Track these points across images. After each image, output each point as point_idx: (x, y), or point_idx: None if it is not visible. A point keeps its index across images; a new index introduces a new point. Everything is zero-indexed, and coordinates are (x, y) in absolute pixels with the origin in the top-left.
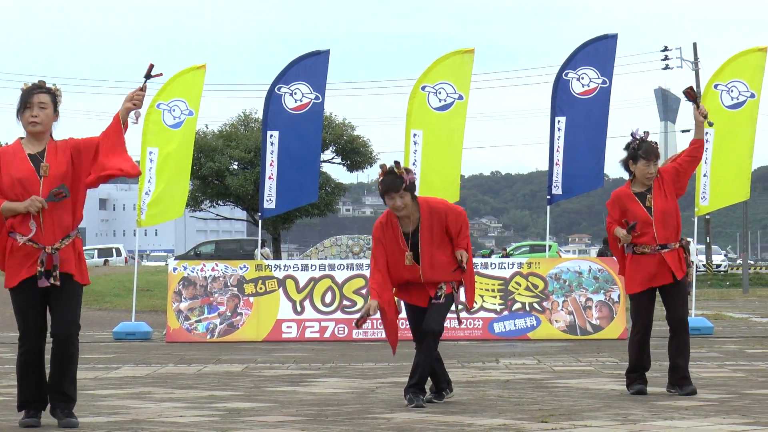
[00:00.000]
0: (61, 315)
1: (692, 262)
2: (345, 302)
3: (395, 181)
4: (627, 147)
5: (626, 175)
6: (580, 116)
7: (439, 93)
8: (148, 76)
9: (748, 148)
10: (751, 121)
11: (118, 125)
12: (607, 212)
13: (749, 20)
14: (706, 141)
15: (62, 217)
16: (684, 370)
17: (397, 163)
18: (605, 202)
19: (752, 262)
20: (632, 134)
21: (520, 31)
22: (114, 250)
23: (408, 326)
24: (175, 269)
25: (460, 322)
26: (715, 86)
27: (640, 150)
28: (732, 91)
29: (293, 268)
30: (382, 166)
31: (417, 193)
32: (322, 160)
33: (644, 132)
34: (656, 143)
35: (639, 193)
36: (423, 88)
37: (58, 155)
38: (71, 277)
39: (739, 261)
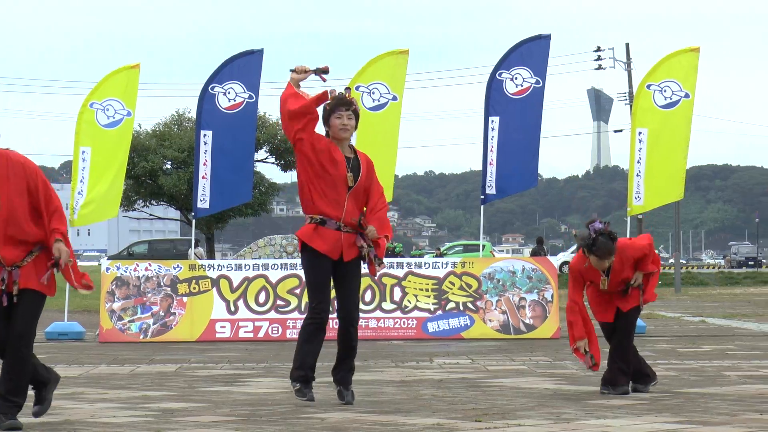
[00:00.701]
0: (15, 326)
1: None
2: (279, 302)
3: (347, 98)
4: (587, 224)
5: (560, 175)
6: (514, 116)
7: (373, 93)
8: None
9: (682, 148)
10: (685, 120)
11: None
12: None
13: (681, 21)
14: (639, 141)
15: (21, 235)
16: (615, 370)
17: (347, 89)
18: (539, 204)
19: (684, 262)
20: (588, 225)
21: (454, 32)
22: None
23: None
24: (108, 269)
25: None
26: (648, 86)
27: (594, 247)
28: (665, 91)
29: (227, 267)
30: (332, 91)
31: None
32: (255, 159)
33: (605, 223)
34: (614, 237)
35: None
36: (357, 88)
37: (10, 183)
38: (33, 291)
39: (671, 260)
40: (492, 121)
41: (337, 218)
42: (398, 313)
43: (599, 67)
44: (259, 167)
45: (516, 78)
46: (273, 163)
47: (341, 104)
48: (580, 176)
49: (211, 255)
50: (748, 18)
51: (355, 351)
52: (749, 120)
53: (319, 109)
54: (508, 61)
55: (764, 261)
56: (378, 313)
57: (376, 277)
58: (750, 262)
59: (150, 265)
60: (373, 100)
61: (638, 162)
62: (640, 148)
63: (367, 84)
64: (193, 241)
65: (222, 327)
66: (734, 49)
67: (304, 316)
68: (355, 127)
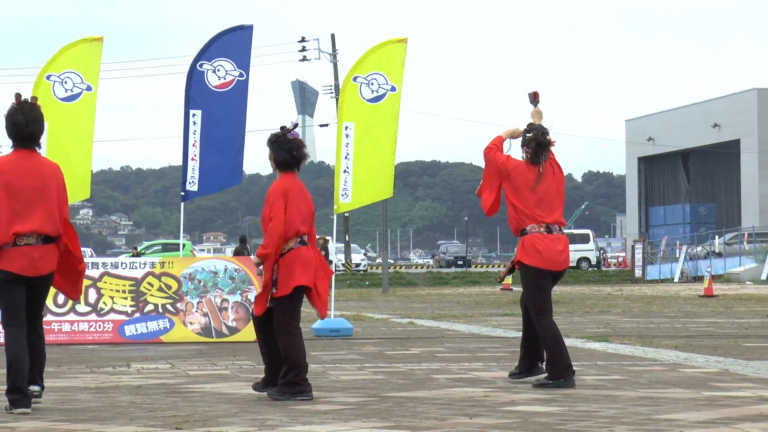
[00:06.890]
0: None
1: (331, 261)
2: None
3: None
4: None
5: (263, 171)
6: (217, 110)
7: (66, 83)
8: None
9: (391, 144)
10: (392, 115)
11: None
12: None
13: (388, 11)
14: (346, 136)
15: None
16: None
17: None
18: (241, 201)
19: (392, 261)
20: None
21: (153, 18)
22: None
23: None
24: None
25: None
26: (354, 79)
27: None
28: (372, 84)
29: None
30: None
31: None
32: None
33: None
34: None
35: None
36: (48, 78)
37: None
38: None
39: (378, 260)
40: (194, 114)
41: None
42: (93, 316)
43: (304, 59)
44: None
45: (218, 70)
46: None
47: None
48: None
49: None
50: (454, 9)
51: None
52: (456, 115)
53: None
54: (209, 52)
55: (473, 260)
56: (72, 316)
57: None
58: (459, 262)
59: None
60: (66, 90)
61: (345, 158)
62: (347, 144)
63: (59, 73)
64: None
65: None
66: (442, 41)
67: None
68: None
